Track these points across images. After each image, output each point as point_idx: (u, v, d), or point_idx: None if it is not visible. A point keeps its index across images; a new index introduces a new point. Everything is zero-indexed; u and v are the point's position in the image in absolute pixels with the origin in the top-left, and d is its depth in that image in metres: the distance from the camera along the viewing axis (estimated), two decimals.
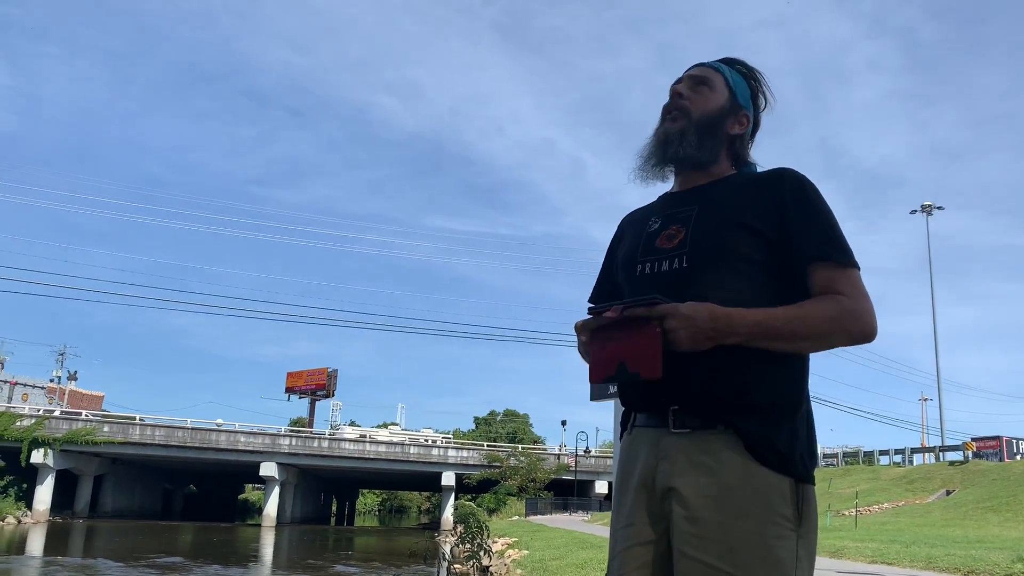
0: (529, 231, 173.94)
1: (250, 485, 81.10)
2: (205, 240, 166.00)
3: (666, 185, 1.89)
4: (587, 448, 55.43)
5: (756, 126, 1.89)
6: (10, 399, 53.49)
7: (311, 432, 55.17)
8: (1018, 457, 38.37)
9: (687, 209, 1.75)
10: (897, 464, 44.52)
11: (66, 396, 60.88)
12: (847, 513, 27.42)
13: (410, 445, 54.16)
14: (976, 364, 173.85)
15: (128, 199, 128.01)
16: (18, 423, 44.06)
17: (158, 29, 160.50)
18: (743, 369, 1.56)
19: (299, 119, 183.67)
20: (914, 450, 47.08)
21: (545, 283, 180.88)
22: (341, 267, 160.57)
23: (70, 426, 45.06)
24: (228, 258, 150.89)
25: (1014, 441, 40.26)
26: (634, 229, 1.88)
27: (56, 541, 29.90)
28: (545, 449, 62.94)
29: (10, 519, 40.29)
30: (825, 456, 49.97)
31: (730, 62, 1.90)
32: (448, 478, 50.39)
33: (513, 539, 20.69)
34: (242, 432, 48.90)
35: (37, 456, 43.08)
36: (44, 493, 43.32)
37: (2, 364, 56.11)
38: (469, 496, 51.90)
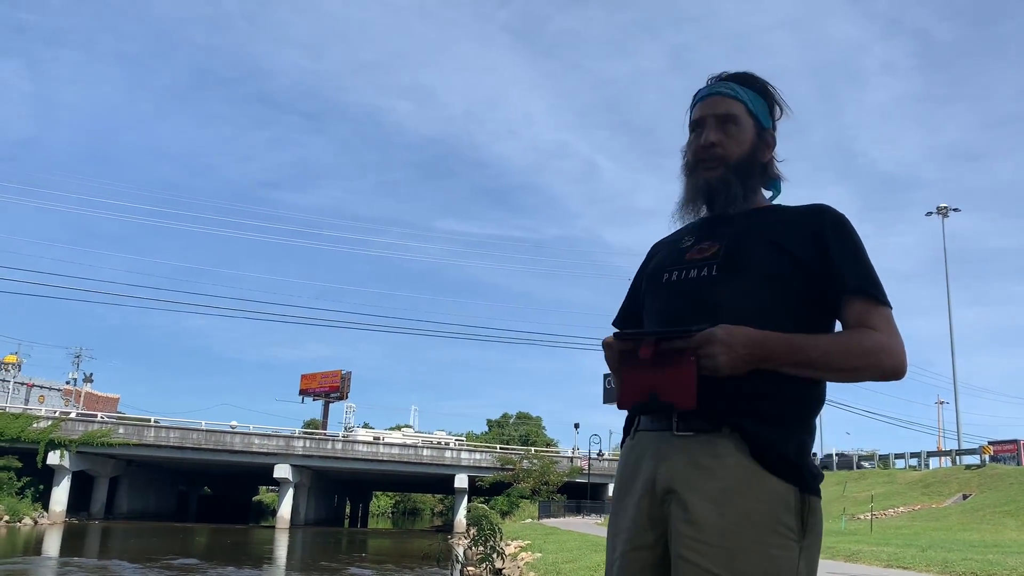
0: (542, 234, 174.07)
1: (264, 487, 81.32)
2: (219, 243, 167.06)
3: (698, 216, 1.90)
4: (600, 451, 55.31)
5: None
6: (27, 401, 53.96)
7: (325, 434, 55.30)
8: None
9: (723, 229, 1.76)
10: (913, 468, 44.19)
11: (82, 398, 61.35)
12: (862, 517, 27.24)
13: (423, 447, 54.18)
14: (993, 367, 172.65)
15: (143, 202, 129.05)
16: (35, 425, 44.37)
17: (173, 34, 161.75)
18: (756, 380, 1.54)
19: (312, 123, 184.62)
20: (930, 453, 46.75)
21: (558, 286, 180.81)
22: (354, 270, 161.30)
23: (86, 428, 45.32)
24: (242, 261, 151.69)
25: None
26: (666, 249, 1.89)
27: (72, 542, 30.10)
28: (558, 452, 62.84)
29: (27, 520, 40.57)
30: (840, 458, 49.67)
31: (743, 80, 1.85)
32: (461, 480, 50.40)
33: (526, 542, 20.67)
34: (256, 434, 49.05)
35: (53, 458, 43.37)
36: (60, 494, 43.60)
37: (19, 366, 56.58)
38: (482, 499, 51.82)
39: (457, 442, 68.97)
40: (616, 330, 1.93)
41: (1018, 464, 36.85)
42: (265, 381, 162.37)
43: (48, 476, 43.80)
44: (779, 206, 1.83)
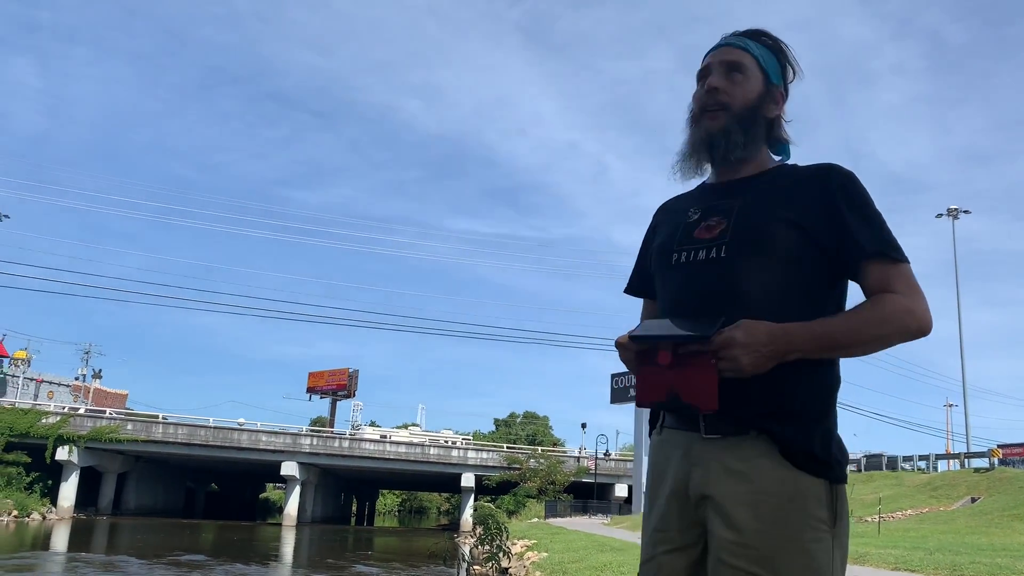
0: (551, 233, 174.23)
1: (271, 484, 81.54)
2: (229, 241, 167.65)
3: (701, 175, 1.85)
4: (607, 451, 55.27)
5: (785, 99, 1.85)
6: (36, 397, 54.18)
7: (332, 432, 55.37)
8: None
9: (729, 202, 1.71)
10: (921, 470, 44.01)
11: (91, 394, 61.59)
12: (870, 519, 27.12)
13: (430, 446, 54.23)
14: (1003, 370, 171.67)
15: (153, 200, 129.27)
16: (44, 420, 44.58)
17: (184, 32, 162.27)
18: (776, 374, 1.54)
19: (323, 121, 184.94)
20: (939, 456, 46.52)
21: (566, 285, 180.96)
22: (363, 268, 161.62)
23: (94, 424, 45.54)
24: (252, 258, 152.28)
25: None
26: (671, 218, 1.83)
27: (80, 538, 30.22)
28: (565, 452, 62.79)
29: (35, 515, 40.76)
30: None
31: (754, 35, 1.82)
32: (467, 479, 50.42)
33: (532, 541, 20.66)
34: (263, 431, 49.17)
35: (62, 453, 43.59)
36: (68, 490, 43.81)
37: (29, 362, 56.80)
38: (488, 498, 51.72)
39: (464, 441, 69.00)
40: (629, 296, 1.94)
41: None
42: (273, 378, 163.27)
43: (56, 471, 44.03)
44: (784, 166, 1.78)
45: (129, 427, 46.21)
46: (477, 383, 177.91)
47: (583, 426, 60.54)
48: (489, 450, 55.29)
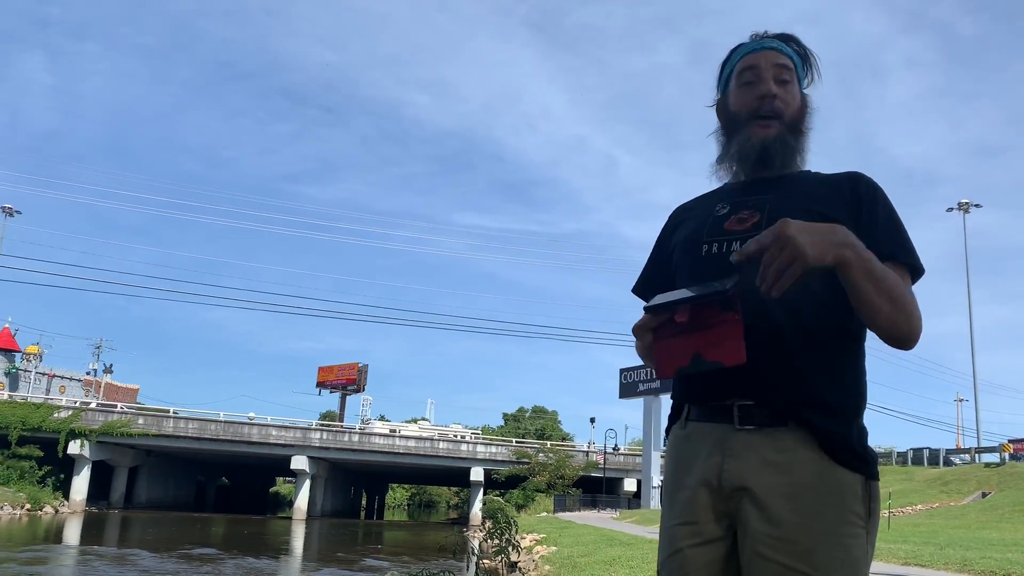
0: (560, 228, 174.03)
1: (281, 478, 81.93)
2: (239, 236, 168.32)
3: (734, 178, 1.84)
4: (616, 446, 55.30)
5: None
6: (48, 391, 54.51)
7: (341, 426, 55.54)
8: None
9: (760, 197, 1.71)
10: (932, 465, 43.89)
11: (102, 389, 61.89)
12: (880, 514, 27.10)
13: (439, 440, 54.37)
14: (1014, 365, 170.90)
15: (163, 195, 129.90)
16: (56, 415, 44.91)
17: (194, 28, 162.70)
18: (813, 366, 1.54)
19: (332, 116, 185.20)
20: (949, 451, 46.36)
21: (575, 280, 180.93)
22: (373, 263, 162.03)
23: (106, 418, 45.82)
24: (261, 253, 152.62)
25: None
26: (696, 215, 1.82)
27: (92, 531, 30.45)
28: (574, 446, 62.83)
29: (48, 509, 41.11)
30: None
31: (786, 40, 1.81)
32: (477, 474, 50.50)
33: (542, 535, 20.71)
34: (274, 426, 49.38)
35: (74, 447, 43.90)
36: (80, 484, 44.11)
37: (40, 357, 57.13)
38: (497, 492, 51.94)
39: (473, 435, 69.13)
40: (635, 296, 1.91)
41: None
42: (283, 373, 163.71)
43: (68, 465, 44.35)
44: (811, 172, 1.79)
45: (140, 421, 46.50)
46: (486, 378, 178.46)
47: (592, 421, 60.37)
48: (498, 444, 55.38)
